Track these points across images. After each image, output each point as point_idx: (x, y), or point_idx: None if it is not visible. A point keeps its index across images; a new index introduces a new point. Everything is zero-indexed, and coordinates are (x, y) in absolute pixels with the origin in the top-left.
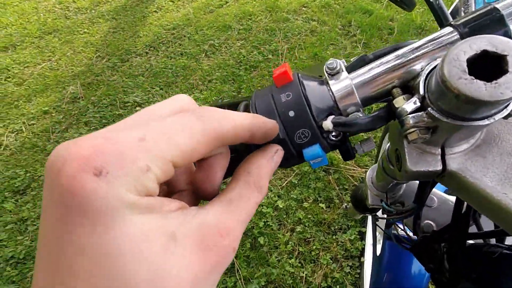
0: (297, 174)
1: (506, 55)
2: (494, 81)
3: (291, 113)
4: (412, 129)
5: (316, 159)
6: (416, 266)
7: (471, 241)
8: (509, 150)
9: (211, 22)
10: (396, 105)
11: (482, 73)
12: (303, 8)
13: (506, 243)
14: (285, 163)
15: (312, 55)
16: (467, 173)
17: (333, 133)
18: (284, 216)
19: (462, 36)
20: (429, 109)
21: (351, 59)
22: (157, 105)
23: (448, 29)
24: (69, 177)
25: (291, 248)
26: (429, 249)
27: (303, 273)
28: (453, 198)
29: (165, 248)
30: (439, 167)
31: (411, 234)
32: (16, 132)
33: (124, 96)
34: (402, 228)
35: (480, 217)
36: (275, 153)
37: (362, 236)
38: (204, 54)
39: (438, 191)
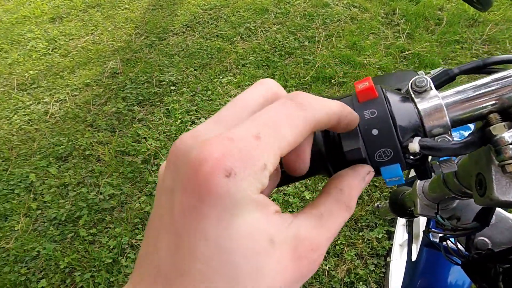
0: None
1: None
2: None
3: (375, 132)
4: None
5: (394, 178)
6: (453, 277)
7: None
8: None
9: (248, 4)
10: (494, 132)
11: None
12: None
13: None
14: None
15: (350, 44)
16: None
17: (413, 154)
18: None
19: None
20: None
21: (432, 71)
22: (248, 93)
23: None
24: (206, 176)
25: None
26: (483, 268)
27: (326, 266)
28: (511, 216)
29: (266, 250)
30: None
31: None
32: (61, 102)
33: (160, 75)
34: (453, 242)
35: None
36: (367, 175)
37: (390, 235)
38: (239, 37)
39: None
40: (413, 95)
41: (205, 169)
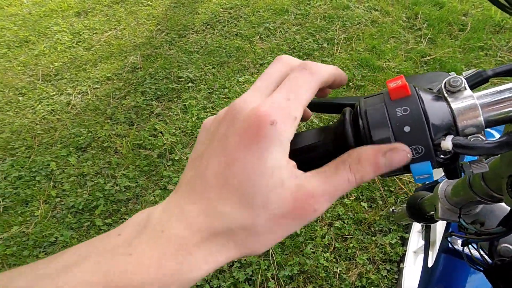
0: None
1: None
2: None
3: (407, 129)
4: None
5: (424, 175)
6: (471, 286)
7: None
8: None
9: (268, 4)
10: None
11: None
12: None
13: None
14: (389, 174)
15: (370, 48)
16: None
17: (443, 153)
18: None
19: None
20: None
21: (464, 73)
22: (272, 68)
23: None
24: (259, 124)
25: (327, 242)
26: (507, 275)
27: (337, 268)
28: None
29: (276, 186)
30: None
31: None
32: (83, 94)
33: (179, 71)
34: (476, 248)
35: None
36: (390, 151)
37: (404, 242)
38: (258, 37)
39: None
40: (446, 95)
41: (259, 120)
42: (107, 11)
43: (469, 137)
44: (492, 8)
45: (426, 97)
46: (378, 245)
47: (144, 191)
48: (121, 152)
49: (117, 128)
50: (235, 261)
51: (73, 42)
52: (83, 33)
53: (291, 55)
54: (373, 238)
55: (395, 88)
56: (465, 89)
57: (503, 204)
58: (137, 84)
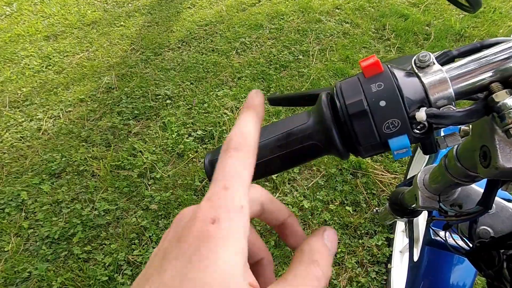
0: (324, 175)
1: None
2: None
3: (382, 103)
4: None
5: (402, 150)
6: (456, 275)
7: None
8: None
9: (243, 20)
10: (497, 99)
11: None
12: (336, 10)
13: None
14: (368, 152)
15: (343, 58)
16: None
17: (418, 126)
18: (310, 217)
19: None
20: None
21: (433, 54)
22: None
23: None
24: (198, 225)
25: None
26: (488, 256)
27: None
28: (511, 205)
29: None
30: None
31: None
32: (54, 118)
33: (156, 89)
34: (456, 231)
35: None
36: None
37: (389, 242)
38: (235, 51)
39: (497, 197)
40: (416, 71)
41: (196, 221)
42: (78, 33)
43: (441, 108)
44: (452, 19)
45: (399, 74)
46: (365, 247)
47: (125, 213)
48: (98, 175)
49: (93, 151)
50: None
51: (42, 66)
52: (53, 56)
53: (268, 67)
54: (360, 241)
55: (368, 65)
56: (434, 64)
57: (478, 188)
58: (112, 105)
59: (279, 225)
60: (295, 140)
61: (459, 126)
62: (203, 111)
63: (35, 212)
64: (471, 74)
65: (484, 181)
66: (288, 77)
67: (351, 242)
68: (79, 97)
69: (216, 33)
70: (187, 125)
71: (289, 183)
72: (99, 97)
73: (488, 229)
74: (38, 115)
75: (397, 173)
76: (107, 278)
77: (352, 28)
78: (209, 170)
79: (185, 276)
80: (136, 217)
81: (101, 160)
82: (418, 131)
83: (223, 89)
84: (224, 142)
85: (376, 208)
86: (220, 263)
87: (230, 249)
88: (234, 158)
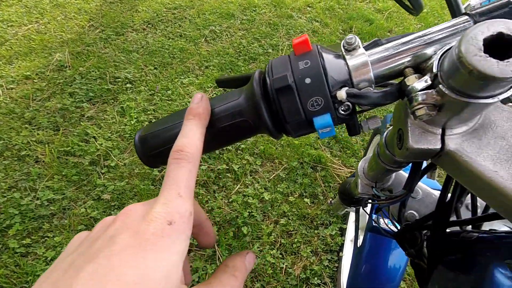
0: (285, 168)
1: None
2: (506, 60)
3: (308, 80)
4: (421, 105)
5: (325, 129)
6: (393, 258)
7: (448, 230)
8: (502, 134)
9: (214, 7)
10: (408, 83)
11: (496, 53)
12: (308, 8)
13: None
14: (296, 131)
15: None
16: (463, 152)
17: (343, 107)
18: (269, 208)
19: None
20: (440, 86)
21: (364, 43)
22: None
23: (464, 17)
24: (158, 224)
25: (273, 239)
26: (411, 236)
27: (283, 264)
28: (435, 192)
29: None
30: (438, 145)
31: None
32: None
33: (115, 71)
34: (387, 216)
35: (460, 207)
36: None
37: (342, 232)
38: (204, 39)
39: (423, 184)
40: (344, 53)
41: (156, 220)
42: (26, 1)
43: (361, 89)
44: (411, 27)
45: (326, 54)
46: (320, 237)
47: (73, 203)
48: (43, 161)
49: (38, 134)
50: None
51: None
52: None
53: (237, 58)
54: (316, 231)
55: (298, 43)
56: (359, 47)
57: (405, 174)
58: (64, 84)
59: (197, 225)
60: (226, 116)
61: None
62: (167, 98)
63: None
64: (390, 59)
65: None
66: (256, 69)
67: (307, 232)
68: (24, 73)
69: (185, 18)
70: (148, 112)
71: (251, 175)
72: (48, 75)
73: (414, 213)
74: None
75: (353, 168)
76: None
77: (321, 27)
78: (139, 148)
79: (141, 263)
80: (85, 208)
81: (47, 145)
82: (342, 112)
83: (189, 77)
84: (173, 150)
85: (331, 200)
86: (170, 256)
87: (178, 248)
88: (186, 169)
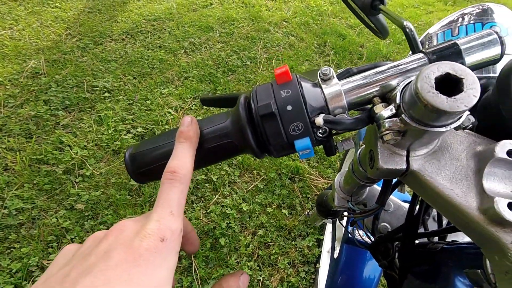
0: (264, 179)
1: (462, 78)
2: (453, 97)
3: (289, 107)
4: (387, 132)
5: (305, 151)
6: (368, 269)
7: (417, 241)
8: (457, 155)
9: (194, 20)
10: (376, 111)
11: (445, 90)
12: (284, 23)
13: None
14: (279, 152)
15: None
16: (425, 172)
17: (320, 131)
18: (247, 219)
19: (430, 61)
20: (402, 115)
21: (338, 71)
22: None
23: (420, 55)
24: (150, 240)
25: (251, 251)
26: (384, 248)
27: (261, 276)
28: (406, 205)
29: None
30: (404, 166)
31: (366, 236)
32: None
33: (93, 80)
34: (362, 228)
35: (427, 219)
36: (241, 275)
37: (319, 243)
38: (183, 51)
39: (394, 198)
40: (320, 82)
41: (149, 237)
42: (0, 7)
43: (337, 115)
44: (381, 43)
45: (305, 83)
46: (297, 248)
47: (44, 213)
48: (13, 169)
49: (8, 141)
50: None
51: None
52: None
53: (216, 70)
54: (293, 242)
55: (279, 74)
56: (334, 77)
57: (378, 187)
58: (38, 92)
59: (184, 236)
60: (213, 138)
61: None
62: (145, 108)
63: None
64: (361, 89)
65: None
66: (235, 81)
67: (285, 243)
68: None
69: (165, 29)
70: (126, 121)
71: (229, 186)
72: (22, 82)
73: (387, 225)
74: None
75: (329, 179)
76: (12, 286)
77: (297, 41)
78: (129, 165)
79: (136, 277)
80: (57, 218)
81: (18, 152)
82: (320, 135)
83: (168, 87)
84: (166, 171)
85: (308, 211)
86: (162, 271)
87: (169, 263)
88: (178, 189)
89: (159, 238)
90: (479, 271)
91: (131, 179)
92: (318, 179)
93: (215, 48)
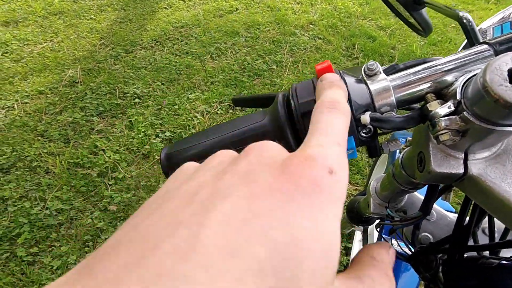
0: None
1: None
2: None
3: None
4: (445, 131)
5: (349, 151)
6: (402, 282)
7: (466, 255)
8: None
9: (219, 26)
10: (430, 109)
11: None
12: (311, 25)
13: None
14: None
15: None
16: (487, 177)
17: (365, 130)
18: None
19: (497, 52)
20: (464, 113)
21: (383, 66)
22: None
23: (483, 46)
24: (315, 169)
25: None
26: (426, 260)
27: None
28: (450, 214)
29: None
30: (461, 170)
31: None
32: (7, 109)
33: (124, 87)
34: (401, 238)
35: (477, 231)
36: (390, 249)
37: (347, 251)
38: (209, 56)
39: (437, 206)
40: (365, 78)
41: (313, 164)
42: (42, 22)
43: (384, 114)
44: (414, 44)
45: (349, 79)
46: None
47: (81, 213)
48: (53, 172)
49: (49, 146)
50: None
51: None
52: (11, 43)
53: (242, 74)
54: None
55: (321, 69)
56: (380, 73)
57: (421, 196)
58: (75, 99)
59: None
60: (250, 137)
61: (406, 137)
62: (173, 113)
63: None
64: (411, 85)
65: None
66: (261, 85)
67: None
68: (38, 88)
69: (192, 36)
70: (155, 126)
71: None
72: (61, 90)
73: (429, 235)
74: None
75: (358, 185)
76: None
77: (325, 44)
78: (165, 165)
79: (292, 219)
80: (92, 218)
81: (57, 157)
82: (364, 135)
83: (195, 92)
84: (322, 101)
85: None
86: (326, 218)
87: (336, 211)
88: (341, 120)
89: (326, 168)
90: None
91: (165, 177)
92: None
93: (240, 53)
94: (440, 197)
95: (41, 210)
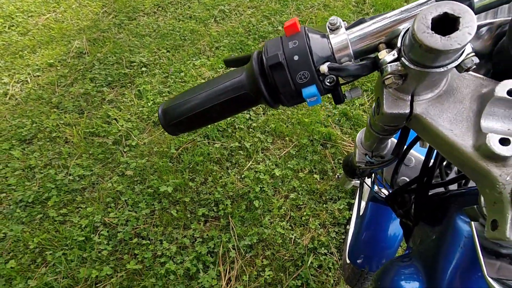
0: (296, 146)
1: (459, 17)
2: (448, 36)
3: (296, 57)
4: (389, 76)
5: (312, 98)
6: (392, 227)
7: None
8: (461, 99)
9: None
10: (380, 57)
11: (445, 30)
12: None
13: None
14: (289, 101)
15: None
16: (427, 115)
17: (328, 79)
18: (280, 184)
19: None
20: (402, 58)
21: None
22: None
23: None
24: None
25: (283, 212)
26: (401, 199)
27: (293, 235)
28: None
29: None
30: (407, 110)
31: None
32: (22, 83)
33: (130, 56)
34: (381, 181)
35: (450, 172)
36: None
37: (350, 207)
38: (213, 20)
39: (416, 153)
40: (328, 32)
41: None
42: None
43: (343, 64)
44: None
45: (312, 35)
46: (328, 211)
47: (101, 178)
48: (72, 142)
49: (65, 117)
50: (197, 236)
51: (5, 26)
52: (16, 16)
53: (247, 38)
54: (324, 205)
55: (288, 26)
56: (341, 27)
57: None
58: (84, 70)
59: None
60: (231, 90)
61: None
62: (180, 80)
63: (7, 177)
64: (367, 37)
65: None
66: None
67: (316, 206)
68: (48, 61)
69: None
70: (163, 94)
71: (262, 152)
72: (69, 62)
73: (406, 179)
74: (3, 79)
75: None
76: (83, 238)
77: (333, 1)
78: (162, 119)
79: None
80: (111, 183)
81: (74, 127)
82: (328, 83)
83: (200, 58)
84: None
85: (338, 174)
86: None
87: None
88: None
89: None
90: (475, 206)
91: (167, 133)
92: (351, 144)
93: (245, 15)
94: (418, 144)
95: (65, 176)
